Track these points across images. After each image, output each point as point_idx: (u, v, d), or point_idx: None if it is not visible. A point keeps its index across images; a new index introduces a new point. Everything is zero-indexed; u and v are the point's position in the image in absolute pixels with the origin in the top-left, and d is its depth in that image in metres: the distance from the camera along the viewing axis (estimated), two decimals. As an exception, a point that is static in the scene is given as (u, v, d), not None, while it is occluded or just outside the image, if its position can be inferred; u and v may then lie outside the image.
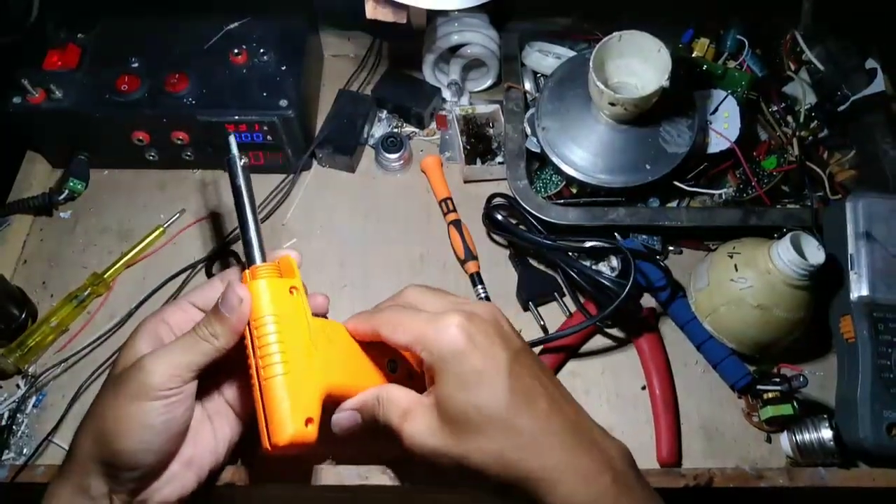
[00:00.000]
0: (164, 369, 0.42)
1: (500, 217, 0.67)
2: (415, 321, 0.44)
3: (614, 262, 0.65)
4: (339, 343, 0.46)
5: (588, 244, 0.64)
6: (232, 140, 0.48)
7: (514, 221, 0.67)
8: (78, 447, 0.44)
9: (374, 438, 0.46)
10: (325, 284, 0.65)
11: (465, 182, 0.73)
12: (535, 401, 0.42)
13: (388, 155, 0.73)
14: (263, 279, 0.43)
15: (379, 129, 0.76)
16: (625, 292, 0.58)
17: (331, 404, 0.45)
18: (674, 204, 0.68)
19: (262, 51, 0.70)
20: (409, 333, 0.43)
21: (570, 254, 0.65)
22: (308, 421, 0.42)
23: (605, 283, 0.61)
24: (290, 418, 0.41)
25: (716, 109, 0.69)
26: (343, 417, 0.46)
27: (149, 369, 0.42)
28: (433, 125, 0.77)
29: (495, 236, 0.70)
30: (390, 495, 0.56)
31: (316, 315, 0.46)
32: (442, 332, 0.42)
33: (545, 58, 0.75)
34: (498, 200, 0.68)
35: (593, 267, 0.65)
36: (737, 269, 0.59)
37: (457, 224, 0.68)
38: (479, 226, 0.70)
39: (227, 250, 0.68)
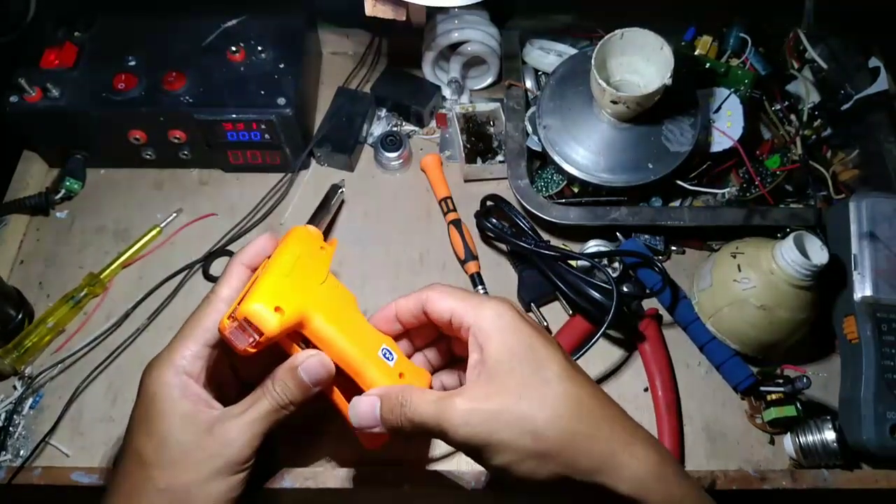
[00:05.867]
0: (249, 442, 0.44)
1: (489, 224, 0.65)
2: (462, 294, 0.45)
3: (616, 262, 0.65)
4: (344, 303, 0.49)
5: (584, 251, 0.63)
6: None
7: (506, 225, 0.66)
8: None
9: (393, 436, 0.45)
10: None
11: (466, 181, 0.72)
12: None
13: (387, 154, 0.72)
14: (302, 229, 0.52)
15: (378, 128, 0.76)
16: (609, 315, 0.57)
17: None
18: (676, 203, 0.68)
19: (259, 49, 0.69)
20: (463, 301, 0.45)
21: (559, 263, 0.63)
22: (277, 309, 0.43)
23: (594, 295, 0.59)
24: (263, 295, 0.43)
25: (718, 108, 0.68)
26: (362, 402, 0.45)
27: (234, 444, 0.43)
28: (433, 123, 0.77)
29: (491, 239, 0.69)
30: (391, 495, 0.56)
31: None
32: (494, 304, 0.44)
33: (546, 55, 0.75)
34: (489, 204, 0.67)
35: (596, 265, 0.64)
36: (740, 270, 0.58)
37: (457, 224, 0.68)
38: (479, 226, 0.69)
39: (224, 250, 0.67)
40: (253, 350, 0.44)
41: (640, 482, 0.40)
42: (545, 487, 0.41)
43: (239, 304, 0.44)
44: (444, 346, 0.52)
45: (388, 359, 0.48)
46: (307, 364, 0.45)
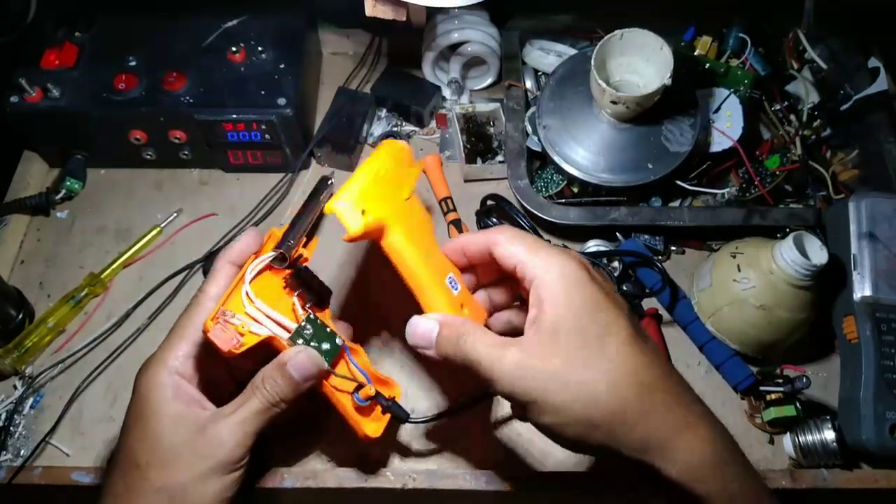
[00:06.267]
0: (241, 441, 0.44)
1: (490, 223, 0.65)
2: (531, 243, 0.43)
3: (615, 262, 0.65)
4: (423, 223, 0.50)
5: (584, 251, 0.63)
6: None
7: (506, 224, 0.66)
8: None
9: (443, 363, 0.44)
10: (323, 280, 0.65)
11: (466, 181, 0.72)
12: (646, 350, 0.41)
13: (387, 154, 0.72)
14: (398, 142, 0.53)
15: (378, 128, 0.76)
16: None
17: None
18: (676, 203, 0.68)
19: (260, 49, 0.69)
20: (530, 249, 0.43)
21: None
22: (363, 212, 0.45)
23: None
24: (350, 195, 0.45)
25: (718, 108, 0.68)
26: (421, 323, 0.45)
27: (226, 444, 0.43)
28: (433, 124, 0.77)
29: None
30: (391, 495, 0.56)
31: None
32: (563, 258, 0.42)
33: (546, 56, 0.75)
34: (490, 203, 0.67)
35: (597, 264, 0.64)
36: (739, 270, 0.59)
37: (457, 224, 0.68)
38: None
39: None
40: (237, 351, 0.44)
41: (691, 470, 0.39)
42: (591, 451, 0.41)
43: (225, 301, 0.45)
44: (509, 286, 0.50)
45: (453, 287, 0.48)
46: (296, 360, 0.45)
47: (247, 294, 0.47)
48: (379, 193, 0.47)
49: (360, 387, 0.49)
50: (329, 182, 0.65)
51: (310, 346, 0.48)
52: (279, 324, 0.48)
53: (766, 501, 0.42)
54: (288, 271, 0.50)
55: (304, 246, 0.53)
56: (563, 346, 0.40)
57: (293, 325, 0.48)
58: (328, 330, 0.49)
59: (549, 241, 0.66)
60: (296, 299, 0.50)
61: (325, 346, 0.48)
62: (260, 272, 0.49)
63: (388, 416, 0.51)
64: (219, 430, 0.44)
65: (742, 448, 0.57)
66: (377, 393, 0.49)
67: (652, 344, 0.42)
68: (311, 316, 0.49)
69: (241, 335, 0.45)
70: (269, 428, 0.46)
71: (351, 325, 0.56)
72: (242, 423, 0.44)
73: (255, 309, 0.47)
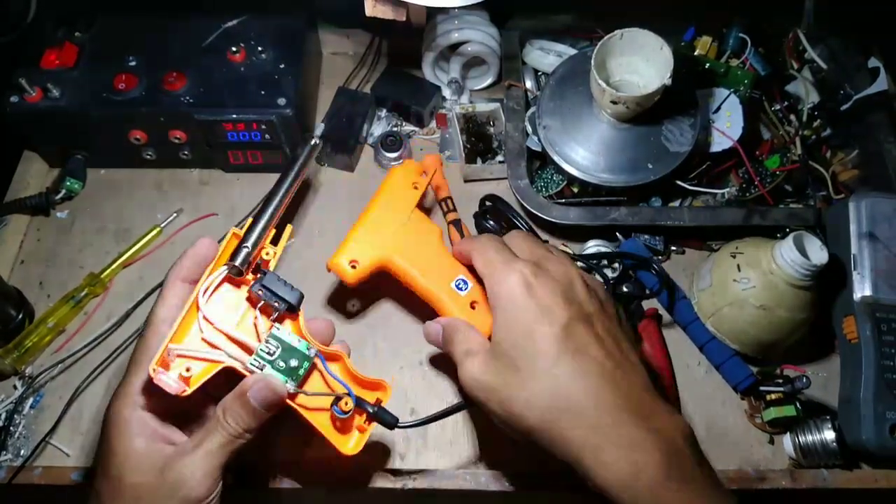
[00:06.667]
0: (203, 478, 0.42)
1: (487, 225, 0.65)
2: (495, 257, 0.48)
3: (616, 262, 0.65)
4: (425, 237, 0.57)
5: (584, 251, 0.63)
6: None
7: (505, 225, 0.66)
8: None
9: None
10: (323, 285, 0.65)
11: (466, 181, 0.72)
12: (586, 363, 0.43)
13: (387, 154, 0.72)
14: (400, 169, 0.60)
15: (378, 128, 0.76)
16: None
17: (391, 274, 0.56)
18: (676, 203, 0.68)
19: (260, 49, 0.69)
20: (486, 267, 0.48)
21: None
22: (352, 263, 0.54)
23: None
24: (341, 253, 0.55)
25: (718, 108, 0.68)
26: (431, 326, 0.52)
27: (188, 482, 0.42)
28: (433, 124, 0.77)
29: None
30: (391, 495, 0.56)
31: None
32: (506, 277, 0.46)
33: (546, 56, 0.75)
34: (488, 204, 0.67)
35: (592, 266, 0.64)
36: (739, 270, 0.59)
37: (457, 224, 0.68)
38: (480, 226, 0.69)
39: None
40: (189, 392, 0.43)
41: (620, 486, 0.40)
42: (536, 450, 0.44)
43: (161, 356, 0.43)
44: None
45: (460, 289, 0.53)
46: (254, 390, 0.44)
47: (204, 318, 0.45)
48: (373, 237, 0.56)
49: (339, 398, 0.46)
50: (313, 141, 0.60)
51: (275, 364, 0.46)
52: (242, 345, 0.46)
53: None
54: (252, 276, 0.48)
55: (275, 240, 0.50)
56: (503, 363, 0.44)
57: (257, 345, 0.46)
58: (298, 341, 0.47)
59: (548, 241, 0.66)
60: (258, 314, 0.47)
61: (293, 362, 0.46)
62: (216, 288, 0.47)
63: (367, 432, 0.48)
64: (181, 468, 0.42)
65: (742, 448, 0.58)
66: (359, 401, 0.47)
67: (595, 355, 0.44)
68: (276, 331, 0.47)
69: (187, 381, 0.43)
70: (237, 457, 0.44)
71: (352, 312, 0.57)
72: (206, 458, 0.43)
73: (213, 332, 0.45)
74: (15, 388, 0.60)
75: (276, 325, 0.47)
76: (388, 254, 0.55)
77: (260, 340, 0.47)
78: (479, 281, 0.50)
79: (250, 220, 0.50)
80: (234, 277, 0.48)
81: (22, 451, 0.57)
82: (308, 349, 0.47)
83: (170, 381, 0.42)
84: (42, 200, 0.69)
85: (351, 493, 0.55)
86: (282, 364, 0.46)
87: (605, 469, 0.41)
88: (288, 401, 0.46)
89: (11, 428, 0.58)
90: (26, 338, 0.61)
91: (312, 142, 0.59)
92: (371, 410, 0.48)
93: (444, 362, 0.61)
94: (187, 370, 0.44)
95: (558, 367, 0.43)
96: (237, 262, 0.47)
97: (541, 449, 0.44)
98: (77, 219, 0.70)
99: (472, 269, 0.52)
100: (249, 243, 0.48)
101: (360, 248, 0.55)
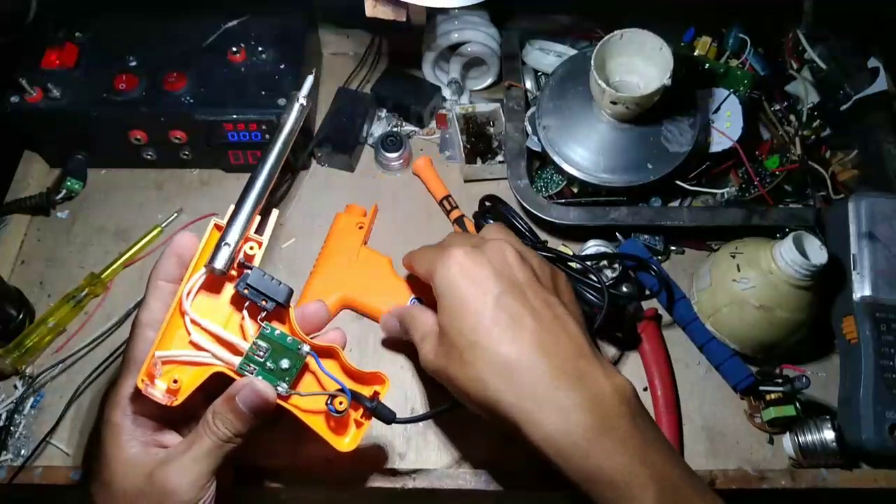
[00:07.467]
0: (192, 484, 0.42)
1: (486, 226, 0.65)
2: (429, 254, 0.50)
3: (616, 263, 0.65)
4: (376, 269, 0.63)
5: (584, 251, 0.63)
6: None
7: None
8: None
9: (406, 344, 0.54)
10: (324, 284, 0.65)
11: (466, 181, 0.72)
12: (519, 332, 0.44)
13: (387, 154, 0.72)
14: (343, 215, 0.66)
15: (378, 128, 0.76)
16: (600, 317, 0.56)
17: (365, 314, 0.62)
18: (676, 203, 0.68)
19: (260, 49, 0.69)
20: (424, 266, 0.50)
21: (556, 264, 0.62)
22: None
23: (588, 297, 0.58)
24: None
25: (718, 108, 0.68)
26: (387, 320, 0.57)
27: (176, 489, 0.41)
28: (433, 124, 0.77)
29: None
30: (390, 495, 0.56)
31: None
32: (442, 265, 0.47)
33: (546, 56, 0.75)
34: (487, 204, 0.67)
35: (588, 268, 0.64)
36: (739, 270, 0.59)
37: (460, 221, 0.68)
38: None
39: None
40: (179, 402, 0.43)
41: (553, 448, 0.41)
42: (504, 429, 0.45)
43: (147, 366, 0.42)
44: None
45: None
46: (243, 394, 0.43)
47: (192, 321, 0.44)
48: (328, 282, 0.62)
49: (333, 397, 0.45)
50: (301, 102, 0.49)
51: (265, 366, 0.44)
52: (232, 346, 0.45)
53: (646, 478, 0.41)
54: (238, 272, 0.46)
55: (259, 228, 0.47)
56: (448, 345, 0.46)
57: (246, 346, 0.45)
58: (289, 340, 0.45)
59: (547, 241, 0.66)
60: (245, 314, 0.45)
61: (285, 363, 0.45)
62: (200, 289, 0.45)
63: (364, 426, 0.47)
64: (170, 474, 0.42)
65: (741, 448, 0.58)
66: (356, 397, 0.46)
67: (556, 307, 0.46)
68: (265, 330, 0.45)
69: (175, 392, 0.43)
70: (228, 461, 0.44)
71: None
72: (195, 464, 0.42)
73: (201, 335, 0.44)
74: (15, 387, 0.60)
75: (265, 324, 0.45)
76: (345, 293, 0.62)
77: (248, 341, 0.45)
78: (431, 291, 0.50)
79: (232, 207, 0.46)
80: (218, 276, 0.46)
81: (22, 451, 0.57)
82: (300, 347, 0.45)
83: (157, 393, 0.42)
84: (42, 200, 0.69)
85: (351, 492, 0.55)
86: (272, 366, 0.45)
87: (538, 431, 0.42)
88: (281, 402, 0.45)
89: (12, 428, 0.58)
90: (27, 338, 0.61)
91: (299, 101, 0.48)
92: (370, 405, 0.46)
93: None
94: (175, 382, 0.43)
95: (492, 340, 0.43)
96: (218, 266, 0.44)
97: (495, 424, 0.45)
98: (77, 219, 0.70)
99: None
100: (231, 240, 0.45)
101: (320, 292, 0.60)
